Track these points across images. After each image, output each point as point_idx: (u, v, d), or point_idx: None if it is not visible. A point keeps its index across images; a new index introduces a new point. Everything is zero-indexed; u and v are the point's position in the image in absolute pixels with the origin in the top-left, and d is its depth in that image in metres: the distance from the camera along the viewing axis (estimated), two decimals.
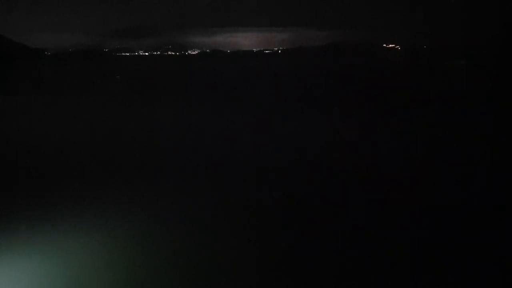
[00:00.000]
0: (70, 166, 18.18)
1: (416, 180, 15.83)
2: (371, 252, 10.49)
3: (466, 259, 10.09)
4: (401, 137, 23.48)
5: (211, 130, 26.31)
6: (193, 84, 63.71)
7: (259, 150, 20.90)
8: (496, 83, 53.18)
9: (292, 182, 15.94)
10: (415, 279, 9.38)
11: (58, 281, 9.33)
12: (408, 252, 10.47)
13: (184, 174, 17.01)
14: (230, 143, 22.42)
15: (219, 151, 20.63)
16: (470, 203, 13.46)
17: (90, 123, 29.02)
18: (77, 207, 13.39)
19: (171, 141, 23.12)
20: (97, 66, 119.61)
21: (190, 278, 9.52)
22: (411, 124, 27.11)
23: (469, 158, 18.74)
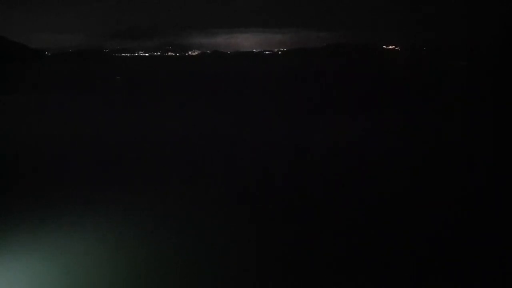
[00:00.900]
0: (70, 166, 18.14)
1: (417, 180, 15.78)
2: (371, 252, 10.44)
3: (466, 259, 10.06)
4: (402, 137, 23.42)
5: (211, 130, 26.25)
6: (193, 85, 63.68)
7: (259, 150, 20.85)
8: (496, 84, 53.12)
9: (292, 182, 15.90)
10: (415, 279, 9.34)
11: (58, 281, 9.28)
12: (408, 252, 10.43)
13: (184, 174, 16.97)
14: (230, 144, 22.37)
15: (219, 152, 20.59)
16: (471, 203, 13.42)
17: (90, 124, 28.96)
18: (77, 207, 13.35)
19: (171, 141, 23.06)
20: (97, 67, 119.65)
21: (191, 278, 9.47)
22: (412, 125, 27.06)
23: (470, 158, 18.70)
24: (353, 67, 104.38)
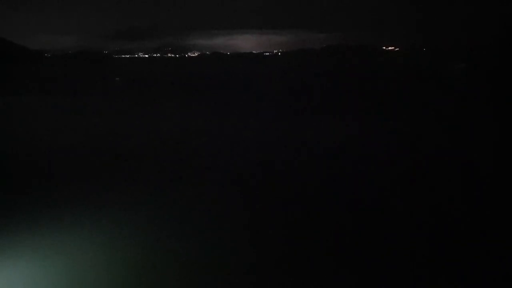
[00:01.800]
0: (70, 168, 18.16)
1: (415, 182, 15.81)
2: (371, 253, 10.47)
3: (466, 260, 10.09)
4: (400, 139, 23.45)
5: (211, 132, 26.28)
6: (193, 86, 63.71)
7: (258, 151, 20.89)
8: (496, 85, 53.19)
9: (291, 183, 15.92)
10: (416, 280, 9.37)
11: (59, 282, 9.31)
12: (409, 253, 10.46)
13: (184, 175, 17.01)
14: (230, 145, 22.39)
15: (218, 153, 20.61)
16: (470, 205, 13.45)
17: (90, 125, 28.98)
18: (76, 208, 13.37)
19: (171, 143, 23.10)
20: (97, 68, 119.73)
21: (191, 279, 9.50)
22: (411, 127, 27.09)
23: (469, 161, 18.72)
24: (352, 68, 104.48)
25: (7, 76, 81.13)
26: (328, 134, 25.01)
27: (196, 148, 21.85)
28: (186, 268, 9.92)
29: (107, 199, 14.21)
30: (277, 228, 12.00)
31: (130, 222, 12.36)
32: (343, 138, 23.88)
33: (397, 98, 42.55)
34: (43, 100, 44.94)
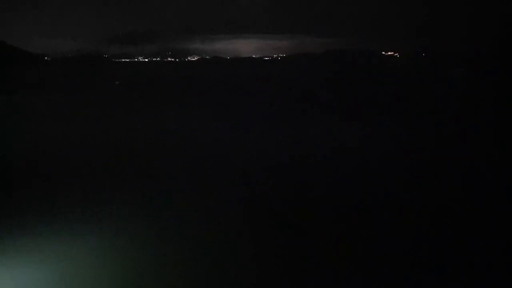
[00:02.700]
0: (69, 170, 18.20)
1: (413, 186, 15.85)
2: (371, 254, 10.46)
3: (467, 260, 10.10)
4: (400, 144, 23.46)
5: (211, 135, 26.28)
6: (193, 90, 63.75)
7: (258, 155, 20.91)
8: (496, 90, 53.29)
9: (291, 185, 15.97)
10: (416, 280, 9.35)
11: (59, 282, 9.29)
12: (409, 254, 10.46)
13: (183, 178, 17.05)
14: (229, 149, 22.38)
15: (218, 157, 20.60)
16: (468, 209, 13.45)
17: (90, 128, 28.97)
18: (76, 209, 13.38)
19: (171, 146, 23.10)
20: (96, 72, 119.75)
21: (192, 280, 9.48)
22: (410, 131, 27.11)
23: (469, 165, 18.72)
24: (352, 73, 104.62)
25: (8, 79, 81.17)
26: (328, 138, 25.04)
27: (196, 151, 21.85)
28: (186, 269, 9.92)
29: (107, 200, 14.28)
30: (279, 230, 12.03)
31: (129, 223, 12.39)
32: (343, 142, 23.90)
33: (397, 103, 42.59)
34: (44, 103, 44.95)
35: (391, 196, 14.70)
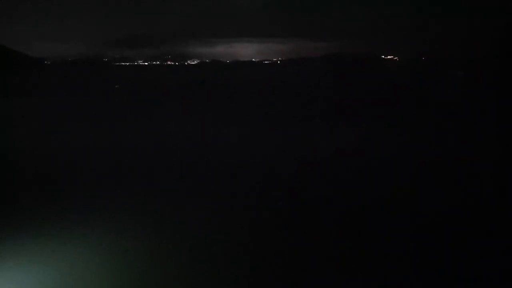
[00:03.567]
0: (69, 173, 18.24)
1: (413, 188, 15.90)
2: (371, 255, 10.52)
3: (467, 260, 10.17)
4: (399, 147, 23.52)
5: (211, 139, 26.33)
6: (192, 93, 63.76)
7: (257, 158, 20.95)
8: (494, 94, 53.33)
9: (290, 188, 16.00)
10: (416, 280, 9.42)
11: (59, 283, 9.35)
12: (409, 254, 10.54)
13: (183, 181, 17.09)
14: (229, 153, 22.43)
15: (218, 160, 20.65)
16: (467, 212, 13.50)
17: (90, 132, 29.02)
18: (76, 211, 13.44)
19: (171, 149, 23.14)
20: (96, 75, 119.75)
21: (192, 281, 9.55)
22: (409, 135, 27.16)
23: (468, 168, 18.79)
24: (351, 77, 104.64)
25: (8, 82, 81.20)
26: (327, 142, 25.10)
27: (195, 154, 21.90)
28: (186, 270, 9.98)
29: (107, 203, 14.33)
30: (278, 233, 12.08)
31: (129, 225, 12.43)
32: (342, 145, 23.96)
33: (396, 107, 42.62)
34: (43, 107, 44.97)
35: (391, 198, 14.74)
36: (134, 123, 33.25)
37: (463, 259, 10.37)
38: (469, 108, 40.16)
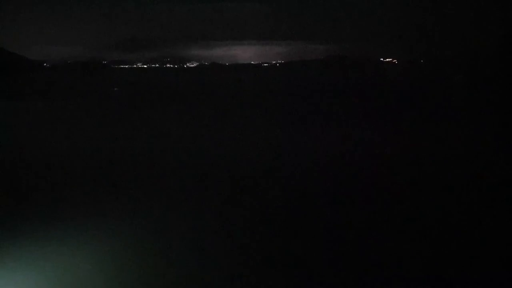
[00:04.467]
0: (69, 175, 18.25)
1: (413, 190, 15.90)
2: (371, 256, 10.49)
3: (467, 260, 10.15)
4: (399, 150, 23.51)
5: (210, 141, 26.31)
6: (192, 96, 63.89)
7: (256, 161, 20.97)
8: (494, 96, 53.47)
9: (291, 190, 16.02)
10: (416, 281, 9.39)
11: (59, 285, 9.32)
12: (409, 254, 10.52)
13: (183, 183, 17.13)
14: (229, 154, 22.42)
15: (217, 162, 20.63)
16: (466, 213, 13.49)
17: (89, 135, 29.00)
18: (75, 214, 13.42)
19: (171, 152, 23.13)
20: (95, 78, 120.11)
21: (193, 281, 9.52)
22: (410, 137, 27.17)
23: (468, 171, 18.77)
24: (351, 79, 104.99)
25: (8, 85, 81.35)
26: (326, 144, 25.12)
27: (195, 156, 21.89)
28: (188, 270, 9.96)
29: (107, 205, 14.34)
30: (280, 231, 12.09)
31: (130, 227, 12.44)
32: (342, 147, 23.97)
33: (396, 110, 42.70)
34: (43, 110, 45.02)
35: (391, 199, 14.74)
36: (133, 125, 33.25)
37: (463, 259, 10.36)
38: (468, 111, 40.22)
